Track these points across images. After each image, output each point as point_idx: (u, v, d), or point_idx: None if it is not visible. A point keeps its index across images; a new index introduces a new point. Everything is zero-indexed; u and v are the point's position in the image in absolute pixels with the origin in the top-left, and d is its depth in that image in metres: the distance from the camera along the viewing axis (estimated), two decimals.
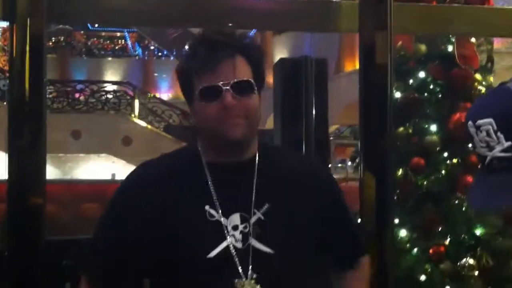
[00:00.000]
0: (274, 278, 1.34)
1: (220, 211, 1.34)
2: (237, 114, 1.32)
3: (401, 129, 3.15)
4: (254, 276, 1.32)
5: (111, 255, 1.40)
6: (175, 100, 16.66)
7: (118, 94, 14.53)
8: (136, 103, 14.34)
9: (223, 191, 1.36)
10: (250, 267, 1.32)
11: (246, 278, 1.32)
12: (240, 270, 1.32)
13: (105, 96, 14.30)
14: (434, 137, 3.06)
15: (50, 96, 13.80)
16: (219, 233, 1.33)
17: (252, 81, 1.35)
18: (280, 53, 14.88)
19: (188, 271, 1.34)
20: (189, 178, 1.39)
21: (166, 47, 16.21)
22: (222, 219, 1.34)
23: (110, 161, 14.41)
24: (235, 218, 1.35)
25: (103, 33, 18.59)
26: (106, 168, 14.28)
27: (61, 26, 17.51)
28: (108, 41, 18.21)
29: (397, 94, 3.20)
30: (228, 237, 1.33)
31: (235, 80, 1.32)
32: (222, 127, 1.32)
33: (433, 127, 3.09)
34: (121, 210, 1.41)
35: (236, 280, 1.31)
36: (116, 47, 18.42)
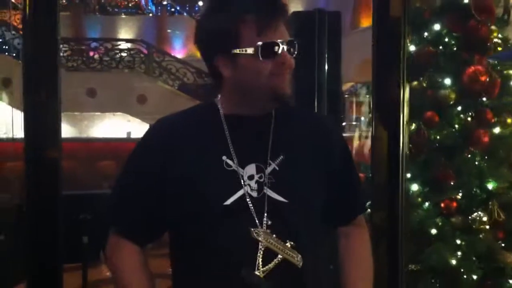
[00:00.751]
0: (287, 226, 1.38)
1: (236, 161, 1.38)
2: (289, 72, 1.37)
3: (415, 83, 3.12)
4: (269, 225, 1.36)
5: (137, 206, 1.44)
6: (190, 57, 16.58)
7: (132, 52, 14.47)
8: (150, 61, 14.30)
9: (240, 142, 1.40)
10: (265, 215, 1.36)
11: (261, 226, 1.36)
12: (256, 218, 1.36)
13: (119, 54, 14.25)
14: (448, 91, 3.03)
15: (65, 54, 13.81)
16: (236, 182, 1.37)
17: (297, 40, 1.39)
18: (294, 7, 14.68)
19: (205, 218, 1.38)
20: (206, 130, 1.43)
21: (180, 3, 16.04)
22: (239, 169, 1.38)
23: (125, 119, 14.49)
24: (251, 169, 1.39)
25: None
26: (121, 126, 14.39)
27: None
28: None
29: (412, 47, 3.16)
30: (244, 186, 1.37)
31: (291, 39, 1.37)
32: (276, 82, 1.36)
33: (447, 81, 3.06)
34: (142, 163, 1.45)
35: (252, 229, 1.35)
36: (130, 4, 18.27)
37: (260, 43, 1.34)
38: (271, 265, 1.34)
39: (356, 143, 9.60)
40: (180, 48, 18.38)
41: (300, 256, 1.36)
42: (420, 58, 3.10)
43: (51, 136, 2.40)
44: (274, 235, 1.35)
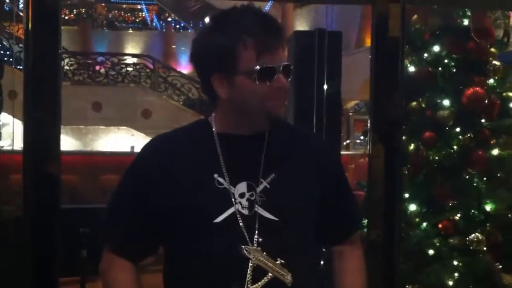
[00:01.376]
0: (278, 245, 1.38)
1: (228, 179, 1.39)
2: (285, 95, 1.40)
3: (414, 103, 3.13)
4: (260, 241, 1.37)
5: (130, 223, 1.45)
6: (195, 73, 16.62)
7: (138, 67, 14.56)
8: (156, 76, 14.38)
9: (232, 160, 1.41)
10: (256, 233, 1.37)
11: (252, 244, 1.36)
12: (246, 236, 1.36)
13: (125, 68, 14.34)
14: (447, 112, 3.04)
15: (71, 68, 13.90)
16: (227, 200, 1.38)
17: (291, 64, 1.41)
18: (300, 26, 14.77)
19: (196, 235, 1.39)
20: (199, 148, 1.44)
21: (185, 19, 16.15)
22: (230, 187, 1.39)
23: (129, 133, 14.53)
24: (242, 186, 1.40)
25: (124, 6, 18.58)
26: (125, 140, 14.42)
27: None
28: (129, 14, 18.20)
29: (411, 68, 3.18)
30: (235, 204, 1.38)
31: (287, 63, 1.39)
32: (272, 106, 1.38)
33: (446, 102, 3.07)
34: (137, 180, 1.46)
35: (243, 246, 1.35)
36: (137, 20, 18.43)
37: (257, 67, 1.35)
38: (261, 283, 1.34)
39: (361, 160, 9.58)
40: (186, 64, 18.50)
41: (290, 274, 1.36)
42: (419, 78, 3.12)
43: (51, 150, 2.41)
44: (264, 253, 1.36)
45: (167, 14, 17.88)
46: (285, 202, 1.42)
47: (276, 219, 1.39)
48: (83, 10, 17.36)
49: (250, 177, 1.40)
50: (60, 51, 2.44)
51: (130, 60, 15.09)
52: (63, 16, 2.48)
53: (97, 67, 14.55)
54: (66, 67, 13.77)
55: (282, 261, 1.36)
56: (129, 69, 14.34)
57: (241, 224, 1.37)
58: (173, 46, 18.54)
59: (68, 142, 14.27)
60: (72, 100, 12.36)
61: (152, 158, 1.46)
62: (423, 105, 3.12)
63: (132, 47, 18.25)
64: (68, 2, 16.51)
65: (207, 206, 1.39)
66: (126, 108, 13.77)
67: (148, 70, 14.46)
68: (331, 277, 1.55)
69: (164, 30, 18.99)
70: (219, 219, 1.37)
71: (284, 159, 1.45)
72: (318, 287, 1.48)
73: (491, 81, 3.14)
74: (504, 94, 3.16)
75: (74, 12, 17.29)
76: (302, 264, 1.41)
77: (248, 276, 1.34)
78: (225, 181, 1.39)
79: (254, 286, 1.34)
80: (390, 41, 2.49)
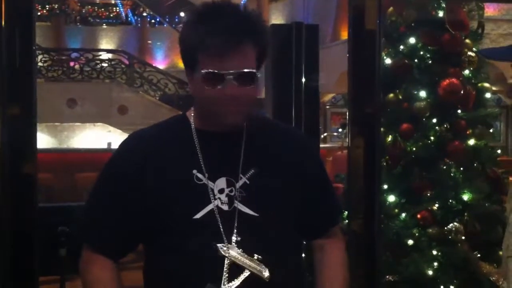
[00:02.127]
0: (256, 240, 1.37)
1: (207, 175, 1.39)
2: (238, 103, 1.35)
3: (391, 95, 3.16)
4: (238, 240, 1.36)
5: (108, 221, 1.44)
6: (171, 68, 16.58)
7: (113, 62, 14.42)
8: (131, 71, 14.26)
9: (211, 156, 1.41)
10: (235, 229, 1.36)
11: (230, 240, 1.36)
12: (223, 233, 1.36)
13: (100, 64, 14.19)
14: (424, 103, 3.07)
15: (45, 64, 13.69)
16: (206, 196, 1.37)
17: (255, 72, 1.36)
18: (276, 20, 14.77)
19: (174, 231, 1.38)
20: (178, 144, 1.44)
21: (160, 14, 16.03)
22: (209, 182, 1.38)
23: (106, 130, 14.40)
24: (221, 182, 1.39)
25: (97, 0, 18.37)
26: (102, 137, 14.28)
27: None
28: (103, 9, 17.99)
29: (388, 60, 3.20)
30: (214, 199, 1.38)
31: (240, 71, 1.33)
32: (221, 112, 1.36)
33: (423, 93, 3.10)
34: (114, 177, 1.45)
35: (219, 244, 1.35)
36: (111, 15, 18.23)
37: (204, 71, 1.33)
38: (237, 281, 1.34)
39: (338, 153, 9.65)
40: (162, 59, 18.38)
41: (267, 270, 1.35)
42: (395, 71, 3.14)
43: (27, 148, 2.38)
44: (240, 250, 1.35)
45: (141, 9, 17.72)
46: (265, 197, 1.41)
47: (255, 214, 1.39)
48: (56, 6, 17.10)
49: (229, 173, 1.40)
50: (34, 47, 2.40)
51: (105, 55, 14.92)
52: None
53: (72, 63, 14.37)
54: (40, 64, 13.55)
55: (259, 256, 1.36)
56: (104, 65, 14.17)
57: (219, 220, 1.36)
58: (149, 41, 18.41)
59: (43, 140, 14.09)
60: (47, 97, 12.22)
61: (130, 155, 1.45)
62: (400, 97, 3.15)
63: (107, 43, 18.06)
64: None
65: (186, 202, 1.38)
66: (102, 104, 13.63)
67: (123, 66, 14.31)
68: (312, 270, 1.55)
69: (139, 25, 18.83)
70: (198, 215, 1.36)
71: (264, 155, 1.45)
72: (298, 282, 1.48)
73: (466, 72, 3.18)
74: (479, 84, 3.20)
75: (47, 8, 17.03)
76: (280, 259, 1.40)
77: (224, 274, 1.34)
78: (204, 177, 1.39)
79: (230, 284, 1.34)
80: (367, 33, 2.50)
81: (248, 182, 1.40)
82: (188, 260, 1.36)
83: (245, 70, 1.34)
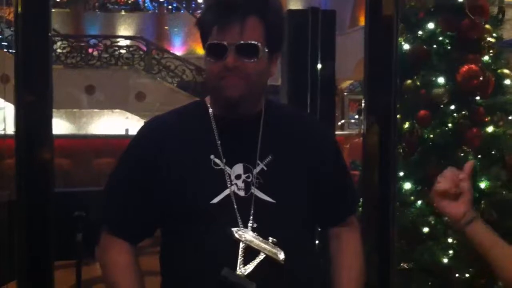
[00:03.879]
0: (272, 226, 1.38)
1: (224, 161, 1.40)
2: (238, 76, 1.35)
3: (408, 81, 3.12)
4: (255, 226, 1.37)
5: (127, 204, 1.46)
6: (189, 55, 16.58)
7: (131, 49, 14.47)
8: (149, 58, 14.30)
9: (228, 142, 1.42)
10: (252, 215, 1.37)
11: (246, 225, 1.37)
12: (239, 217, 1.37)
13: (118, 51, 14.24)
14: (441, 90, 3.03)
15: (64, 51, 13.81)
16: (223, 181, 1.39)
17: (258, 44, 1.35)
18: (294, 5, 14.67)
19: (191, 216, 1.39)
20: (196, 129, 1.45)
21: (177, 0, 16.01)
22: (226, 168, 1.39)
23: (124, 116, 14.49)
24: (239, 168, 1.40)
25: None
26: (120, 123, 14.39)
27: None
28: None
29: (406, 46, 3.16)
30: (231, 185, 1.38)
31: (241, 42, 1.34)
32: (221, 85, 1.37)
33: (441, 80, 3.05)
34: (133, 163, 1.47)
35: (233, 229, 1.36)
36: (129, 1, 18.25)
37: (206, 44, 1.36)
38: (252, 264, 1.35)
39: (356, 140, 9.60)
40: (180, 46, 18.38)
41: (282, 252, 1.36)
42: (414, 57, 3.10)
43: (43, 133, 2.40)
44: (255, 233, 1.36)
45: None
46: (282, 184, 1.42)
47: (272, 201, 1.39)
48: None
49: (246, 159, 1.41)
50: (50, 34, 2.41)
51: (123, 42, 14.99)
52: None
53: (90, 50, 14.45)
54: (59, 50, 13.70)
55: (274, 239, 1.36)
56: (122, 51, 14.25)
57: (235, 205, 1.37)
58: (166, 28, 18.40)
59: (62, 126, 14.23)
60: (65, 84, 12.35)
61: (149, 140, 1.46)
62: (418, 84, 3.11)
63: (125, 29, 18.10)
64: None
65: (203, 187, 1.39)
66: (120, 91, 13.73)
67: (141, 52, 14.37)
68: (327, 257, 1.55)
69: (156, 11, 18.82)
70: (215, 200, 1.37)
71: (281, 141, 1.45)
72: (313, 267, 1.49)
73: (486, 58, 3.13)
74: (498, 71, 3.14)
75: None
76: (295, 243, 1.40)
77: (239, 257, 1.35)
78: (221, 162, 1.39)
79: (246, 267, 1.35)
80: (384, 19, 2.47)
81: (265, 168, 1.41)
82: (204, 244, 1.38)
83: (246, 41, 1.34)
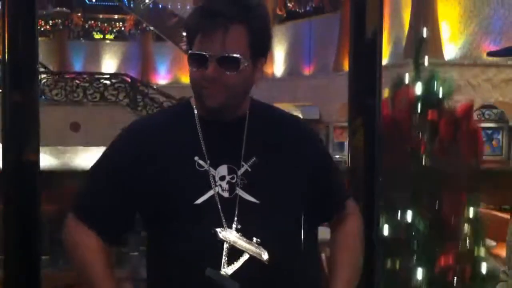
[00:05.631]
0: (256, 226, 1.40)
1: (208, 162, 1.42)
2: (217, 86, 1.38)
3: (388, 264, 3.20)
4: (239, 227, 1.39)
5: (104, 199, 1.45)
6: (174, 84, 16.59)
7: (116, 85, 14.43)
8: (135, 93, 14.28)
9: (213, 144, 1.44)
10: (236, 216, 1.39)
11: (230, 225, 1.39)
12: (223, 218, 1.39)
13: (103, 87, 14.21)
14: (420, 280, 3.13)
15: (47, 85, 13.69)
16: (207, 183, 1.41)
17: (239, 57, 1.37)
18: (279, 43, 14.74)
19: (176, 216, 1.41)
20: (181, 130, 1.47)
21: (166, 35, 15.97)
22: (210, 169, 1.42)
23: None
24: (223, 169, 1.43)
25: (101, 15, 18.31)
26: None
27: (58, 8, 17.26)
28: (106, 24, 17.94)
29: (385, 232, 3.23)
30: (215, 186, 1.41)
31: (223, 54, 1.36)
32: (202, 94, 1.40)
33: (419, 271, 3.14)
34: (117, 155, 1.48)
35: (218, 229, 1.38)
36: (114, 30, 18.17)
37: (189, 52, 1.39)
38: (237, 264, 1.37)
39: None
40: (165, 74, 18.38)
41: (266, 253, 1.38)
42: (394, 242, 3.18)
43: (30, 169, 2.28)
44: (239, 234, 1.38)
45: (144, 24, 17.68)
46: (266, 184, 1.43)
47: (256, 201, 1.41)
48: (59, 21, 17.02)
49: (231, 160, 1.43)
50: (38, 66, 2.33)
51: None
52: (38, 27, 2.42)
53: (74, 82, 14.27)
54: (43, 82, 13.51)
55: (258, 240, 1.38)
56: (108, 85, 14.15)
57: (220, 207, 1.39)
58: (152, 56, 18.38)
59: (46, 160, 14.13)
60: (49, 121, 12.28)
61: (134, 137, 1.49)
62: (397, 267, 3.19)
63: (110, 58, 18.05)
64: (44, 13, 16.23)
65: (187, 187, 1.41)
66: (105, 127, 13.64)
67: (127, 88, 14.30)
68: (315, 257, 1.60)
69: (141, 40, 18.79)
70: (199, 201, 1.40)
71: (266, 142, 1.47)
72: (300, 267, 1.48)
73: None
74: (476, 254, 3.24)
75: (50, 23, 16.98)
76: (280, 243, 1.42)
77: (224, 257, 1.37)
78: (205, 164, 1.42)
79: (230, 267, 1.36)
80: (368, 66, 2.43)
81: (249, 169, 1.43)
82: (188, 245, 1.39)
83: (227, 54, 1.36)
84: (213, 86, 1.37)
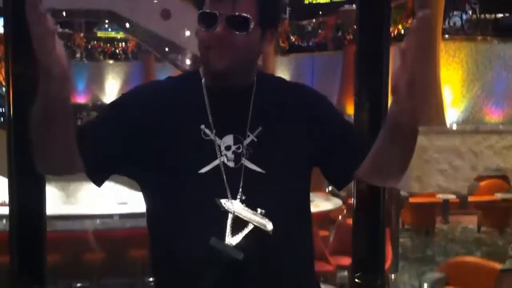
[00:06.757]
0: (261, 196, 1.39)
1: (214, 131, 1.41)
2: (225, 47, 1.36)
3: None
4: (243, 197, 1.38)
5: (99, 140, 1.39)
6: None
7: None
8: None
9: (219, 113, 1.43)
10: (241, 186, 1.38)
11: (235, 195, 1.38)
12: (228, 188, 1.38)
13: None
14: None
15: None
16: (212, 152, 1.40)
17: (249, 17, 1.36)
18: (281, 74, 14.73)
19: (180, 184, 1.39)
20: (188, 97, 1.46)
21: (164, 56, 15.98)
22: (216, 138, 1.41)
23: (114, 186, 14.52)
24: (228, 139, 1.42)
25: (103, 36, 18.23)
26: (110, 190, 14.44)
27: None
28: (108, 44, 17.85)
29: None
30: (220, 156, 1.40)
31: (232, 13, 1.35)
32: (209, 55, 1.38)
33: None
34: (124, 105, 1.46)
35: (222, 200, 1.37)
36: (117, 51, 18.09)
37: (199, 12, 1.38)
38: (241, 234, 1.36)
39: (340, 220, 9.78)
40: None
41: (271, 223, 1.37)
42: None
43: (36, 212, 2.26)
44: (244, 205, 1.37)
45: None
46: (272, 154, 1.42)
47: (262, 171, 1.40)
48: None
49: (237, 130, 1.42)
50: None
51: None
52: None
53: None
54: None
55: (263, 210, 1.37)
56: None
57: (225, 176, 1.38)
58: (154, 76, 18.37)
59: (49, 192, 14.13)
60: None
61: (142, 94, 1.47)
62: None
63: (113, 78, 18.04)
64: None
65: (192, 156, 1.40)
66: None
67: None
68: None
69: (144, 60, 18.75)
70: (204, 170, 1.38)
71: (272, 112, 1.46)
72: (304, 238, 1.49)
73: None
74: None
75: None
76: (286, 214, 1.41)
77: (228, 228, 1.36)
78: (211, 133, 1.41)
79: (234, 237, 1.36)
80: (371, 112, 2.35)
81: (255, 139, 1.42)
82: (191, 214, 1.38)
83: (237, 13, 1.36)
84: (221, 46, 1.36)
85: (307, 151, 1.46)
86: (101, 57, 17.88)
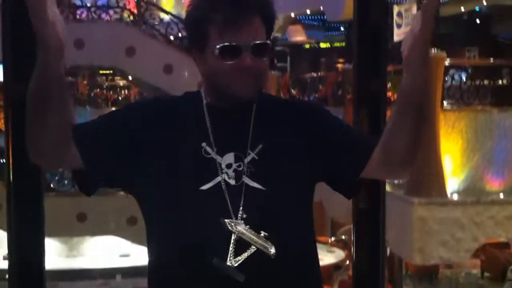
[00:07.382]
0: (263, 215, 1.40)
1: (215, 150, 1.42)
2: (252, 76, 1.39)
3: None
4: (244, 216, 1.38)
5: (89, 137, 1.39)
6: None
7: None
8: None
9: (220, 131, 1.44)
10: (242, 204, 1.39)
11: (236, 215, 1.38)
12: (230, 207, 1.38)
13: None
14: None
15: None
16: (213, 170, 1.41)
17: (269, 43, 1.40)
18: None
19: (179, 203, 1.40)
20: (190, 116, 1.47)
21: None
22: (217, 157, 1.42)
23: (115, 240, 14.57)
24: (229, 157, 1.43)
25: (106, 83, 18.34)
26: (112, 245, 14.49)
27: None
28: (111, 91, 17.97)
29: None
30: (221, 173, 1.41)
31: (256, 42, 1.38)
32: (235, 86, 1.38)
33: None
34: (125, 114, 1.48)
35: (226, 220, 1.37)
36: (119, 98, 18.19)
37: (219, 45, 1.37)
38: (243, 256, 1.36)
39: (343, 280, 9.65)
40: None
41: (273, 247, 1.37)
42: None
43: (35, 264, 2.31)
44: (247, 226, 1.37)
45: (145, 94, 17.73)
46: (273, 171, 1.43)
47: (263, 188, 1.41)
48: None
49: (237, 148, 1.43)
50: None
51: None
52: None
53: None
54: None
55: (266, 234, 1.37)
56: None
57: (226, 194, 1.39)
58: None
59: (51, 245, 14.25)
60: (56, 212, 12.39)
61: (142, 109, 1.48)
62: None
63: None
64: None
65: (193, 173, 1.40)
66: (112, 217, 13.75)
67: None
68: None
69: None
70: (205, 187, 1.39)
71: (272, 130, 1.47)
72: (307, 257, 1.48)
73: None
74: None
75: None
76: (287, 236, 1.41)
77: (230, 249, 1.36)
78: (212, 151, 1.42)
79: (236, 259, 1.36)
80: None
81: (256, 157, 1.43)
82: (193, 233, 1.38)
83: (261, 41, 1.38)
84: (249, 75, 1.37)
85: (309, 167, 1.46)
86: (104, 104, 17.94)
